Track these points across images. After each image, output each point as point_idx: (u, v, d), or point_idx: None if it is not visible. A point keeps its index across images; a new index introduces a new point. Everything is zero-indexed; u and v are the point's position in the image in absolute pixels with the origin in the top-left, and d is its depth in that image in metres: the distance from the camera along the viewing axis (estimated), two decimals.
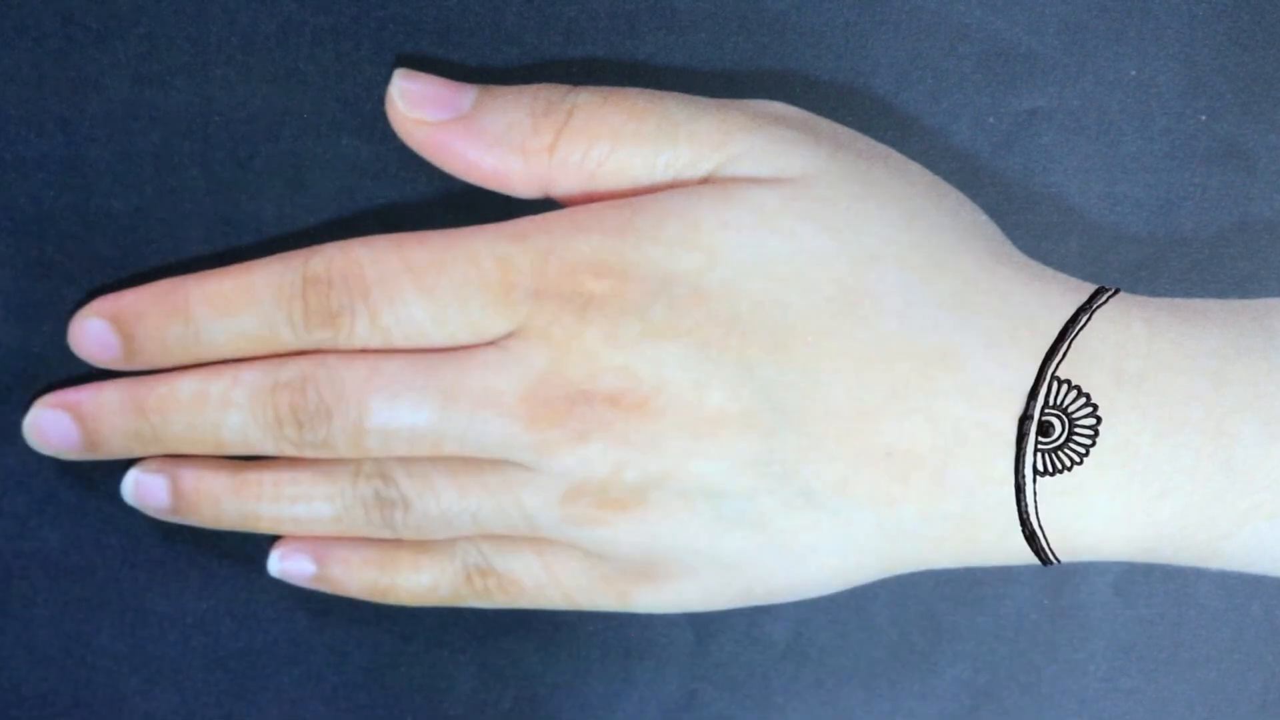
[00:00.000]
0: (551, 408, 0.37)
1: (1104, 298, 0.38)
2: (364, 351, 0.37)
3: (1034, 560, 0.39)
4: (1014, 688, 0.46)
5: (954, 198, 0.39)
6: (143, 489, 0.40)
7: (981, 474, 0.37)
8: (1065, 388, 0.37)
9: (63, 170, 0.38)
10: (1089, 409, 0.37)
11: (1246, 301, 0.39)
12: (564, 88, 0.37)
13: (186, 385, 0.38)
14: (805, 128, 0.38)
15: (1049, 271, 0.39)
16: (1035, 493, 0.37)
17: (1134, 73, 0.40)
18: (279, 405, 0.37)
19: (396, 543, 0.40)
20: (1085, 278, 0.40)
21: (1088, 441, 0.37)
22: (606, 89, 0.37)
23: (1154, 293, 0.41)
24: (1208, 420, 0.37)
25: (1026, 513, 0.38)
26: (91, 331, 0.38)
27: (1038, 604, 0.46)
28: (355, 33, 0.38)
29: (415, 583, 0.41)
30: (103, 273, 0.39)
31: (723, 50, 0.39)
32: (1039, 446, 0.37)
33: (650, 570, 0.39)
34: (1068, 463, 0.37)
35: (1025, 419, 0.37)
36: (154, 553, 0.42)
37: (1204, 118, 0.41)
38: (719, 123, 0.37)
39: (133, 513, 0.41)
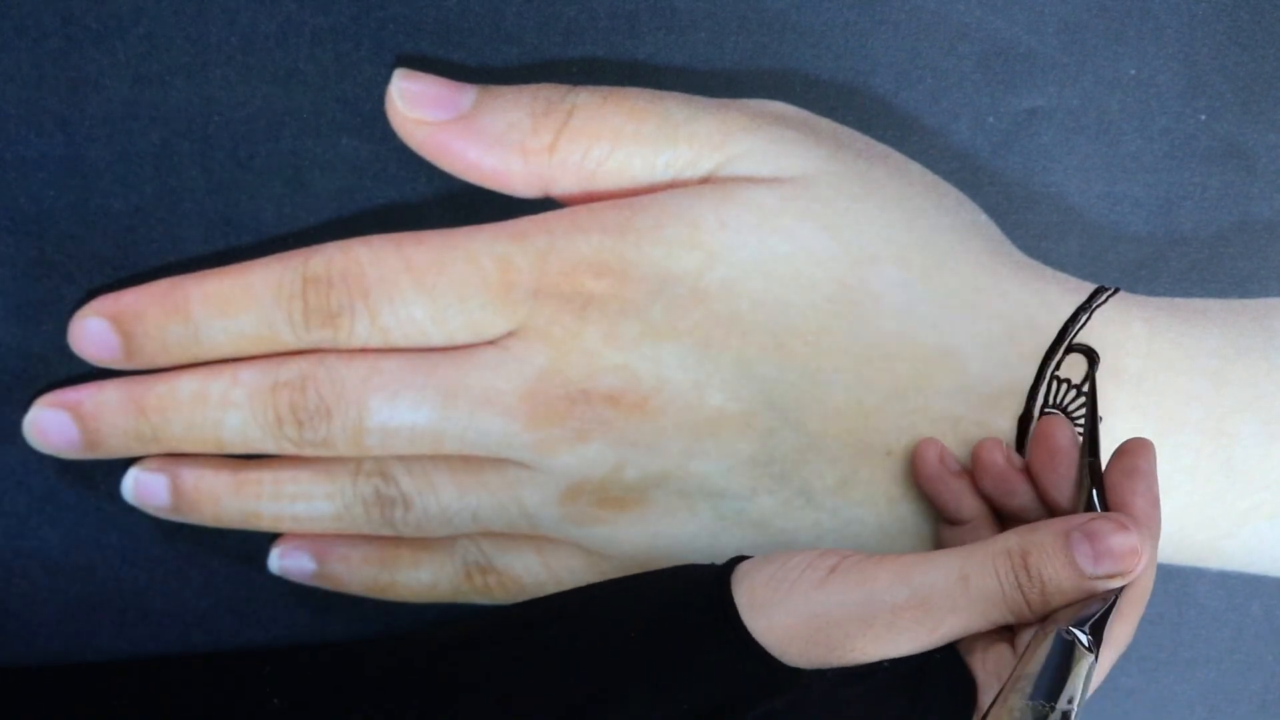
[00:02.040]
0: (551, 407, 0.37)
1: (1103, 297, 0.38)
2: (364, 351, 0.37)
3: None
4: None
5: (954, 198, 0.39)
6: (143, 488, 0.40)
7: None
8: (1065, 387, 0.37)
9: (63, 170, 0.38)
10: None
11: (1246, 301, 0.39)
12: (564, 88, 0.37)
13: (186, 385, 0.38)
14: (805, 128, 0.38)
15: (1048, 271, 0.39)
16: None
17: (1134, 72, 0.40)
18: (279, 404, 0.37)
19: (397, 540, 0.40)
20: (1085, 277, 0.40)
21: None
22: (606, 89, 0.37)
23: (1154, 293, 0.41)
24: (1208, 420, 0.37)
25: None
26: (91, 331, 0.38)
27: None
28: (355, 33, 0.38)
29: (415, 580, 0.41)
30: (103, 273, 0.39)
31: (723, 50, 0.39)
32: None
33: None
34: None
35: (1025, 418, 0.37)
36: (154, 552, 0.42)
37: (1204, 118, 0.41)
38: (719, 123, 0.37)
39: (133, 512, 0.40)
